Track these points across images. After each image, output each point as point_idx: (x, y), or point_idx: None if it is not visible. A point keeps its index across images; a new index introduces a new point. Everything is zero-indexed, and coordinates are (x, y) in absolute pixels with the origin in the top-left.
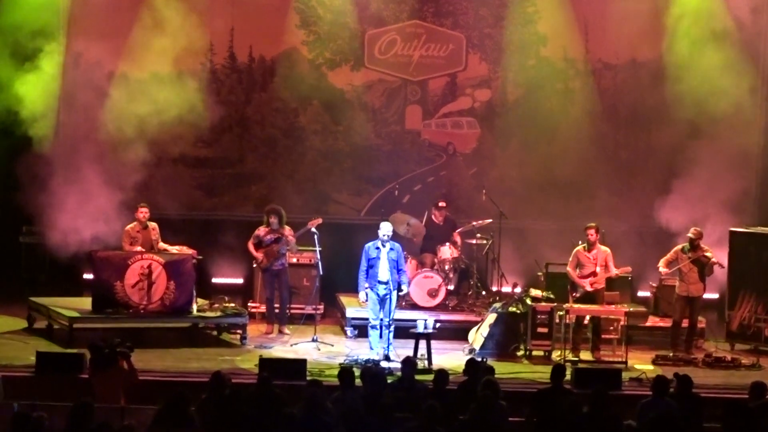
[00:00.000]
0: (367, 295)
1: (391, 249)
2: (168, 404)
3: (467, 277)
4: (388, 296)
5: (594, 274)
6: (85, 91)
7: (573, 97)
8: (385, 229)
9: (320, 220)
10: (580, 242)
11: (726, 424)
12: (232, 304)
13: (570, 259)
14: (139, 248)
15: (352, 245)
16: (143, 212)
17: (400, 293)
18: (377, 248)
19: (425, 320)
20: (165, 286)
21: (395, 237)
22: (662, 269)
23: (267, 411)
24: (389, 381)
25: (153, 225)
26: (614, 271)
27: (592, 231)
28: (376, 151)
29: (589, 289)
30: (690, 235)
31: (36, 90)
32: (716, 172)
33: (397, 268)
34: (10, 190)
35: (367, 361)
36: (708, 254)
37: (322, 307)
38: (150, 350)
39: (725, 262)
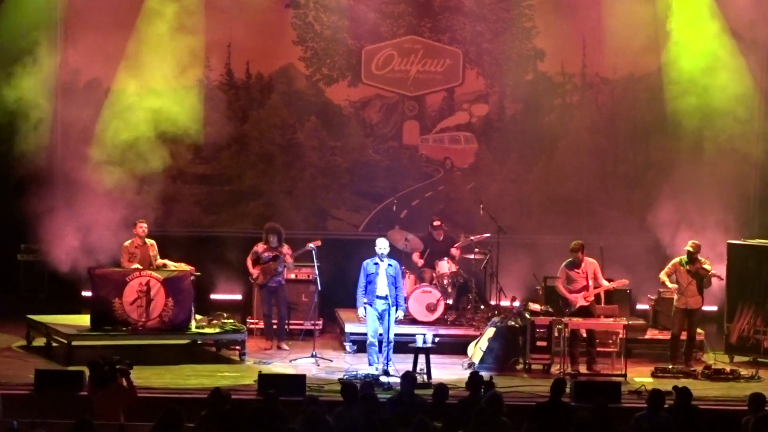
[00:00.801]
0: (365, 310)
1: (389, 265)
2: (161, 421)
3: (466, 291)
4: (386, 311)
5: (586, 288)
6: (83, 108)
7: (571, 111)
8: (382, 245)
9: (319, 243)
10: (570, 254)
11: None
12: (231, 321)
13: (558, 275)
14: (137, 265)
15: (350, 261)
16: (142, 227)
17: (397, 316)
18: (375, 264)
19: (424, 335)
20: (164, 303)
21: (394, 253)
22: (668, 283)
23: (269, 428)
24: (389, 396)
25: (151, 242)
26: (607, 284)
27: (580, 253)
28: (374, 167)
29: (583, 303)
30: (688, 248)
31: (33, 107)
32: (715, 186)
33: (395, 284)
34: (9, 207)
35: (366, 376)
36: (706, 266)
37: (321, 322)
38: (149, 367)
39: (723, 274)
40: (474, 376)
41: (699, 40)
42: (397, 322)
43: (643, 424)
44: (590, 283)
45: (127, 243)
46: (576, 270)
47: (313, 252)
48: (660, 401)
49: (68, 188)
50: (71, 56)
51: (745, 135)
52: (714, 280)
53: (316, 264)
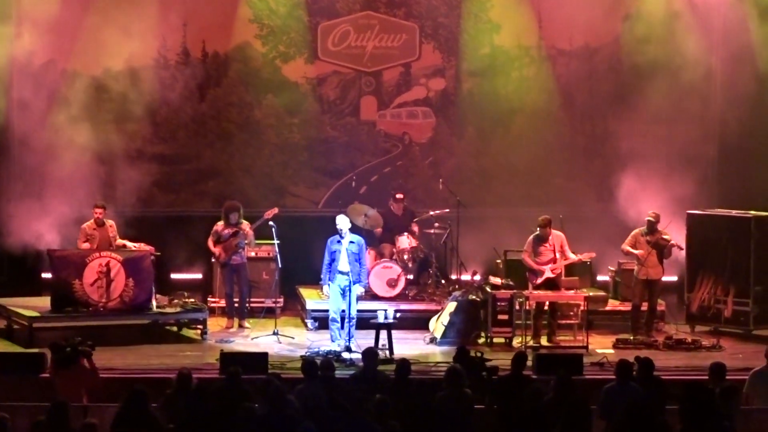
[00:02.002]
0: (329, 287)
1: (351, 242)
2: (128, 402)
3: (426, 266)
4: (348, 287)
5: (553, 260)
6: (38, 90)
7: (528, 84)
8: (340, 222)
9: (276, 210)
10: (538, 229)
11: (688, 405)
12: (192, 300)
13: (525, 248)
14: (86, 245)
15: (310, 238)
16: (98, 212)
17: (358, 293)
18: (338, 241)
19: (385, 310)
20: (124, 284)
21: (354, 228)
22: (633, 251)
23: (234, 406)
24: (352, 372)
25: (110, 222)
26: (574, 257)
27: (548, 228)
28: (332, 144)
29: (550, 275)
30: (648, 218)
31: None
32: (674, 155)
33: (358, 261)
34: None
35: (329, 352)
36: (666, 237)
37: (282, 300)
38: (110, 348)
39: (683, 244)
40: (461, 350)
41: (654, 7)
42: (359, 298)
43: (613, 397)
44: (557, 256)
45: (84, 225)
46: (543, 244)
47: (273, 229)
48: (628, 372)
49: (25, 170)
50: (26, 38)
51: (703, 103)
52: (674, 250)
53: (276, 242)
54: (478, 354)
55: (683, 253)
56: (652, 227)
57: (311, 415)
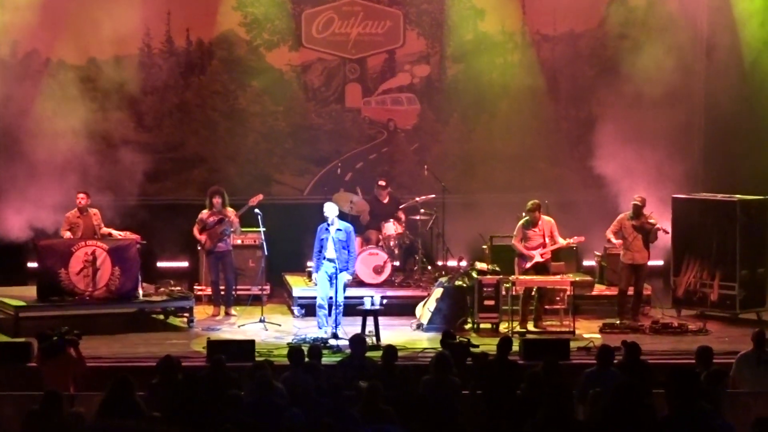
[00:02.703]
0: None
1: (339, 229)
2: (112, 390)
3: (412, 252)
4: (335, 274)
5: (543, 245)
6: (23, 79)
7: (513, 70)
8: (327, 209)
9: (261, 197)
10: (523, 214)
11: (675, 389)
12: (178, 288)
13: (515, 233)
14: (69, 234)
15: (296, 225)
16: (81, 198)
17: (346, 280)
18: (326, 229)
19: (372, 297)
20: (110, 272)
21: (340, 215)
22: (613, 240)
23: (220, 393)
24: (339, 359)
25: (94, 211)
26: (563, 241)
27: (537, 212)
28: (317, 131)
29: (539, 259)
30: (635, 202)
31: None
32: (659, 140)
33: (346, 248)
34: None
35: (316, 339)
36: (652, 221)
37: (268, 287)
38: (97, 337)
39: (669, 228)
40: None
41: None
42: (346, 285)
43: (593, 383)
44: (547, 241)
45: (68, 213)
46: (533, 229)
47: (259, 217)
48: (609, 357)
49: (10, 160)
50: (9, 27)
51: (688, 87)
52: (660, 234)
53: (262, 229)
54: (464, 340)
55: (669, 237)
56: (637, 212)
57: (298, 402)
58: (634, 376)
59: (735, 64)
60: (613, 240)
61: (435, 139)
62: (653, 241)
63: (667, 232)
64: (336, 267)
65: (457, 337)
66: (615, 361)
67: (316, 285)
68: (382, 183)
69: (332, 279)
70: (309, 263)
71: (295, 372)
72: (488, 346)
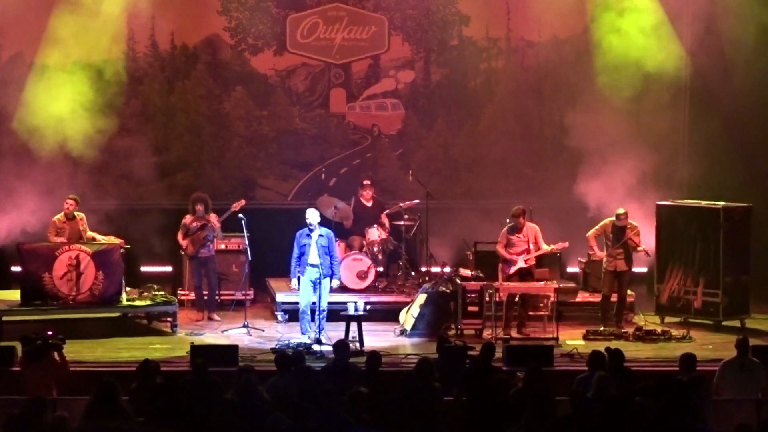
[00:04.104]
0: (299, 280)
1: (321, 235)
2: (98, 394)
3: (396, 258)
4: (319, 280)
5: (527, 251)
6: (6, 84)
7: (497, 76)
8: (310, 215)
9: (243, 202)
10: (507, 221)
11: (658, 396)
12: (162, 293)
13: (499, 239)
14: (60, 239)
15: (280, 230)
16: (69, 204)
17: (332, 285)
18: (307, 235)
19: (355, 303)
20: (94, 277)
21: (323, 221)
22: (595, 248)
23: (203, 398)
24: (322, 364)
25: (80, 215)
26: (547, 247)
27: (521, 218)
28: (301, 136)
29: (523, 265)
30: (617, 222)
31: None
32: (643, 146)
33: (329, 254)
34: None
35: (299, 345)
36: (635, 239)
37: (252, 292)
38: (80, 341)
39: (653, 235)
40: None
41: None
42: (331, 290)
43: (586, 387)
44: (531, 247)
45: (55, 218)
46: (517, 235)
47: (243, 222)
48: (601, 363)
49: None
50: None
51: (673, 93)
52: (641, 254)
53: (246, 234)
54: (459, 343)
55: (653, 242)
56: (621, 231)
57: (283, 407)
58: (617, 383)
59: (721, 71)
60: (595, 248)
61: (419, 145)
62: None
63: (649, 255)
64: (320, 272)
65: (454, 341)
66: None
67: (296, 290)
68: (367, 182)
69: (316, 285)
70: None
71: (281, 377)
72: (472, 352)
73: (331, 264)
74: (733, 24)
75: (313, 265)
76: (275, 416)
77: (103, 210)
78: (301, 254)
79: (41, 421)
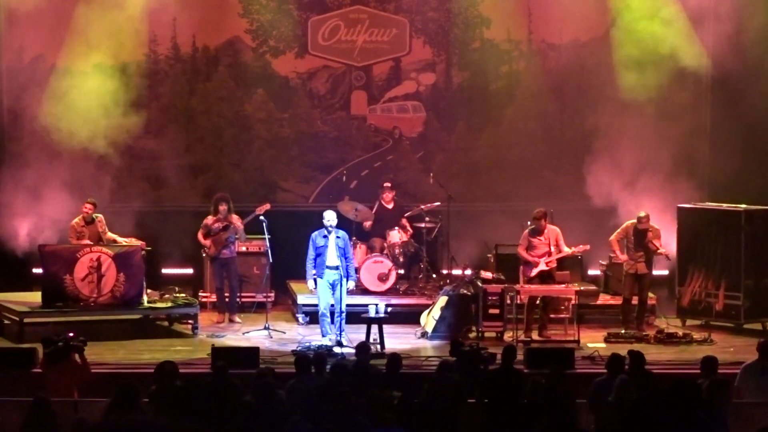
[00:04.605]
0: (316, 282)
1: (338, 237)
2: (117, 397)
3: (417, 260)
4: (338, 282)
5: (548, 253)
6: (29, 86)
7: (518, 78)
8: (329, 216)
9: (268, 206)
10: (529, 223)
11: (680, 399)
12: (183, 295)
13: (520, 241)
14: (86, 242)
15: (301, 232)
16: (88, 208)
17: (348, 287)
18: (324, 236)
19: (376, 305)
20: (115, 279)
21: (344, 223)
22: (618, 252)
23: (223, 400)
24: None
25: (99, 217)
26: (568, 250)
27: (543, 220)
28: (322, 138)
29: (544, 267)
30: (639, 226)
31: None
32: (664, 149)
33: (344, 255)
34: None
35: (320, 347)
36: (656, 243)
37: (273, 294)
38: (101, 343)
39: (674, 239)
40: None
41: (645, 3)
42: (349, 292)
43: (603, 391)
44: (552, 250)
45: (73, 222)
46: (538, 237)
47: (264, 224)
48: (620, 366)
49: (16, 166)
50: (15, 33)
51: (694, 96)
52: (662, 258)
53: (267, 236)
54: (473, 346)
55: (674, 245)
56: (643, 234)
57: (303, 409)
58: (638, 386)
59: (743, 72)
60: (618, 252)
61: (440, 147)
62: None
63: (669, 259)
64: (339, 274)
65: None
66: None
67: (313, 292)
68: (388, 185)
69: (334, 286)
70: None
71: (301, 380)
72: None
73: (347, 266)
74: (756, 24)
75: (331, 267)
76: (294, 419)
77: (125, 212)
78: (318, 255)
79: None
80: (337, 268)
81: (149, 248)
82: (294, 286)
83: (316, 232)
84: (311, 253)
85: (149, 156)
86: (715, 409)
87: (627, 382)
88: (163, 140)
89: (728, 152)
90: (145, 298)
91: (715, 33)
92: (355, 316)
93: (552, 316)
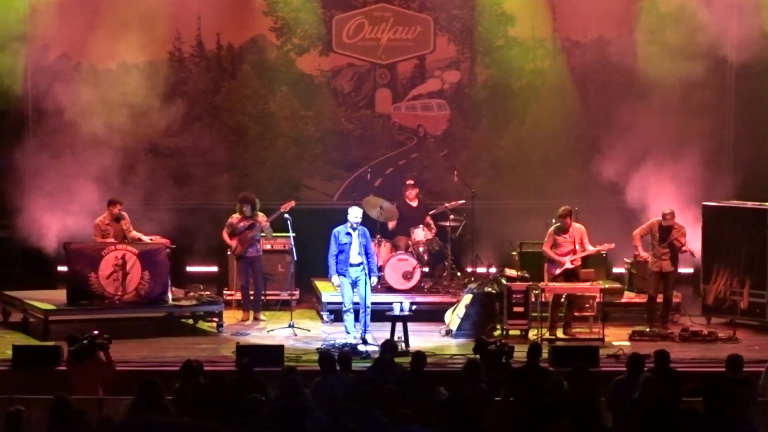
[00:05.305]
0: (340, 279)
1: (360, 234)
2: (141, 394)
3: (442, 258)
4: (360, 279)
5: (573, 251)
6: (54, 84)
7: (542, 76)
8: (356, 213)
9: (293, 203)
10: (553, 221)
11: (705, 397)
12: (208, 293)
13: (545, 239)
14: (111, 240)
15: (325, 230)
16: (118, 207)
17: (372, 283)
18: (348, 233)
19: (401, 303)
20: (140, 276)
21: (368, 221)
22: (640, 249)
23: (247, 398)
24: (369, 365)
25: (125, 215)
26: (592, 248)
27: (568, 218)
28: (347, 136)
29: (569, 265)
30: (664, 223)
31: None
32: (689, 147)
33: (366, 252)
34: None
35: (344, 345)
36: (681, 240)
37: (297, 292)
38: (126, 341)
39: (699, 236)
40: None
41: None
42: (373, 289)
43: (622, 390)
44: (577, 248)
45: (98, 220)
46: (563, 235)
47: (289, 222)
48: (639, 365)
49: (40, 163)
50: (39, 31)
51: (718, 93)
52: (687, 255)
53: (291, 234)
54: (497, 344)
55: (699, 244)
56: (668, 231)
57: (327, 407)
58: (663, 384)
59: (764, 70)
60: (639, 248)
61: (464, 145)
62: (681, 253)
63: (695, 256)
64: (363, 271)
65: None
66: (645, 369)
67: (337, 287)
68: (411, 182)
69: (357, 283)
70: None
71: (326, 378)
72: (517, 352)
73: (369, 262)
74: None
75: (354, 265)
76: (315, 415)
77: (150, 210)
78: (340, 252)
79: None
80: (359, 265)
81: (174, 246)
82: (318, 283)
83: (338, 228)
84: (333, 249)
85: (174, 154)
86: (740, 408)
87: (651, 380)
88: (187, 138)
89: (753, 149)
90: (169, 296)
91: (740, 27)
92: (379, 314)
93: (576, 314)
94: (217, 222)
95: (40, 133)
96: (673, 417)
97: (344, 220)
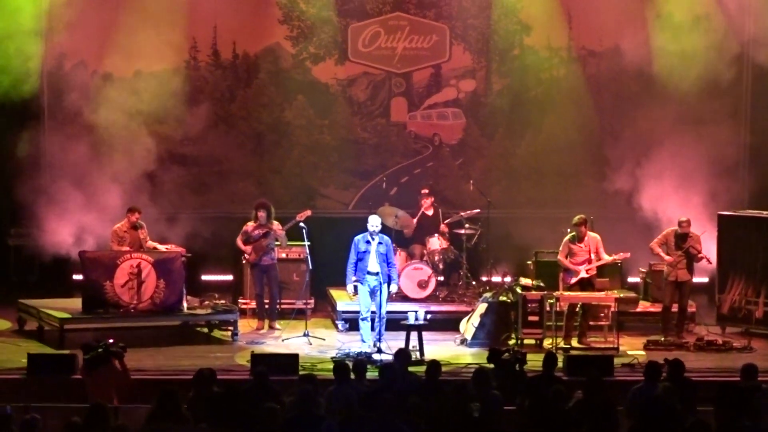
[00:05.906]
0: (356, 288)
1: (380, 243)
2: (159, 402)
3: (457, 267)
4: (378, 288)
5: (588, 261)
6: (71, 92)
7: (558, 85)
8: (374, 222)
9: (309, 212)
10: (569, 230)
11: (719, 405)
12: (222, 301)
13: (560, 248)
14: (126, 248)
15: (340, 239)
16: (137, 215)
17: (391, 291)
18: (367, 242)
19: (416, 312)
20: (155, 285)
21: (384, 230)
22: (662, 254)
23: (263, 407)
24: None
25: (143, 225)
26: (608, 257)
27: (583, 227)
28: (362, 145)
29: (584, 275)
30: (680, 231)
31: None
32: (704, 156)
33: (386, 261)
34: None
35: (360, 353)
36: (697, 247)
37: (312, 301)
38: (141, 349)
39: (714, 245)
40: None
41: (683, 7)
42: (390, 298)
43: (639, 398)
44: (592, 257)
45: (116, 227)
46: (578, 244)
47: (304, 231)
48: (657, 373)
49: (57, 171)
50: (56, 40)
51: (733, 103)
52: (703, 262)
53: (306, 243)
54: (510, 351)
55: (714, 255)
56: (683, 238)
57: (342, 416)
58: (678, 393)
59: None
60: (662, 253)
61: (480, 154)
62: (697, 262)
63: (711, 263)
64: (379, 280)
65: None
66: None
67: (353, 295)
68: (425, 191)
69: (375, 292)
70: None
71: (340, 387)
72: (532, 361)
73: (389, 271)
74: None
75: (371, 273)
76: (327, 424)
77: (165, 218)
78: (359, 260)
79: (105, 429)
80: (377, 274)
81: (189, 255)
82: (333, 292)
83: (359, 236)
84: (352, 257)
85: (190, 162)
86: (756, 417)
87: (669, 389)
88: (203, 146)
89: None
90: (184, 304)
91: (756, 33)
92: (394, 322)
93: (591, 323)
94: (233, 230)
95: (57, 141)
96: (689, 426)
97: (359, 229)
